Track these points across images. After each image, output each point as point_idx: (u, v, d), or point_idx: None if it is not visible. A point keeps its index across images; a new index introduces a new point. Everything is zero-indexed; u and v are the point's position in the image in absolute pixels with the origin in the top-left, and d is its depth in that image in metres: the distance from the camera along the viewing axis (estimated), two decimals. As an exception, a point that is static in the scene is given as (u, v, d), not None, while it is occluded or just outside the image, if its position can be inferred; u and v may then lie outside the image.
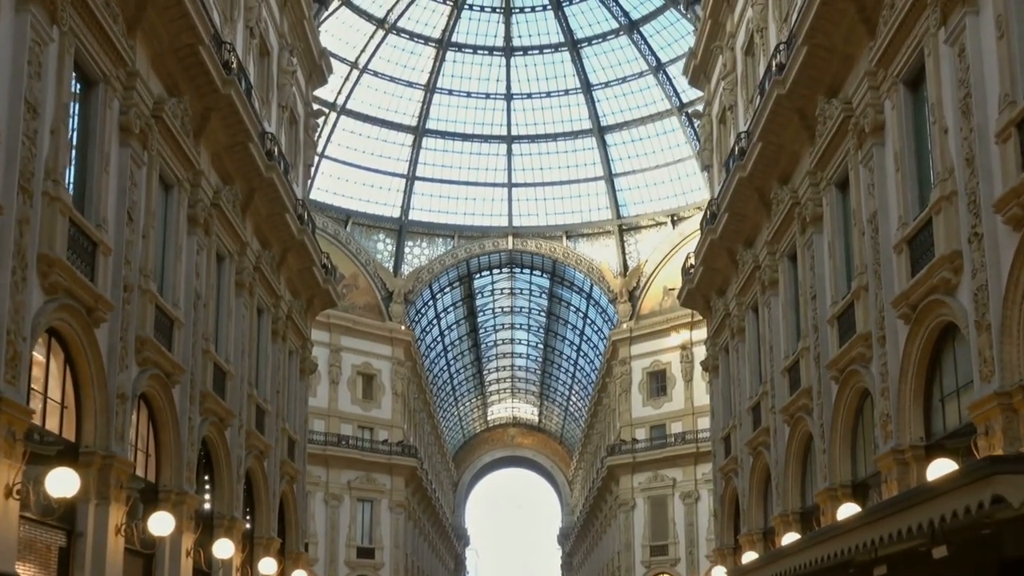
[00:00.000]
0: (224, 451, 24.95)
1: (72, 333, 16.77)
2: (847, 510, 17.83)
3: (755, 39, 29.27)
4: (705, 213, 33.11)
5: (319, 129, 61.29)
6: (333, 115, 62.82)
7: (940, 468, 13.88)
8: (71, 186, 17.17)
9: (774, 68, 23.75)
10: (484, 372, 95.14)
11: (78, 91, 17.71)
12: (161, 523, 18.90)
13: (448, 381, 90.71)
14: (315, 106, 59.67)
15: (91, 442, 17.46)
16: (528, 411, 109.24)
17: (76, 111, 17.63)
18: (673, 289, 47.66)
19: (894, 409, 17.87)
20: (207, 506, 24.78)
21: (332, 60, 60.54)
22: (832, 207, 22.06)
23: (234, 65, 23.63)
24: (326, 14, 57.10)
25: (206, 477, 24.86)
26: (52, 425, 16.75)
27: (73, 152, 17.38)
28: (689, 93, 62.33)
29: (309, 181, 60.89)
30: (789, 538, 22.02)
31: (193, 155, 22.35)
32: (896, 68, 18.22)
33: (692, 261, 34.84)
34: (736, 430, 30.77)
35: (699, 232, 35.81)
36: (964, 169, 15.34)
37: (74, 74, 17.21)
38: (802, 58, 21.64)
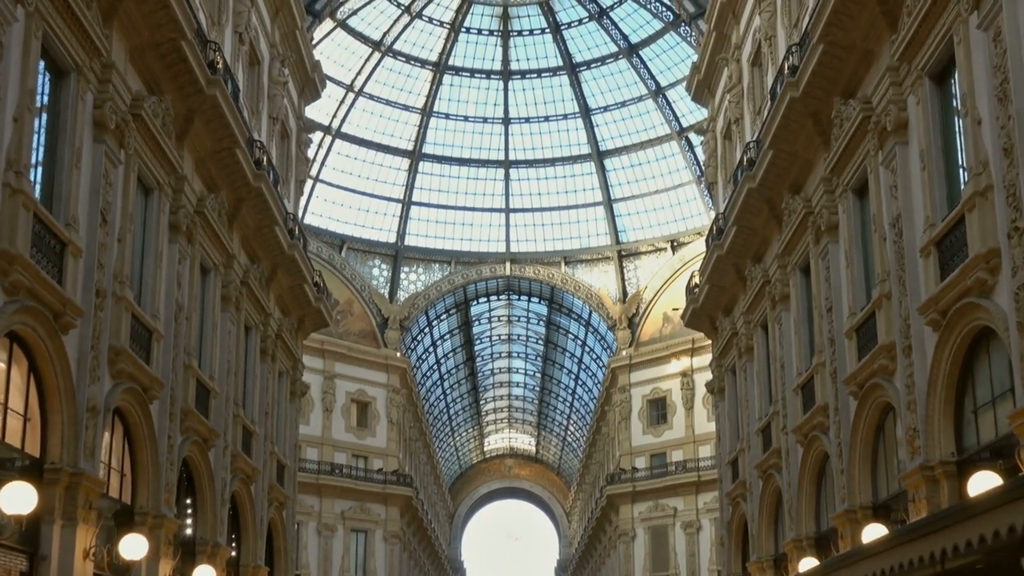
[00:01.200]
0: (207, 473, 23.64)
1: (36, 339, 15.51)
2: (872, 532, 16.58)
3: (763, 48, 28.28)
4: (711, 229, 31.98)
5: (314, 153, 60.95)
6: (328, 138, 61.88)
7: (983, 482, 12.67)
8: (38, 181, 16.01)
9: (786, 71, 22.63)
10: (481, 402, 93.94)
11: (47, 81, 16.56)
12: (133, 546, 17.59)
13: (444, 411, 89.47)
14: (309, 130, 59.43)
15: (57, 458, 16.15)
16: (525, 441, 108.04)
17: (45, 102, 16.46)
18: (677, 309, 46.47)
19: (922, 423, 16.65)
20: (188, 531, 23.47)
21: (328, 83, 60.25)
22: (849, 214, 20.90)
23: (220, 66, 22.48)
24: (321, 36, 56.33)
25: (188, 501, 23.57)
26: (14, 439, 15.45)
27: (41, 145, 16.21)
28: (689, 118, 61.68)
29: (304, 201, 60.34)
30: (805, 564, 20.78)
31: (175, 158, 21.16)
32: (921, 61, 17.11)
33: (697, 280, 33.68)
34: (744, 453, 29.51)
35: (700, 258, 34.87)
36: (1001, 160, 14.17)
37: (43, 62, 16.05)
38: (817, 57, 20.51)
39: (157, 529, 20.02)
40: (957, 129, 16.43)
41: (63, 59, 16.57)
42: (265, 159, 26.72)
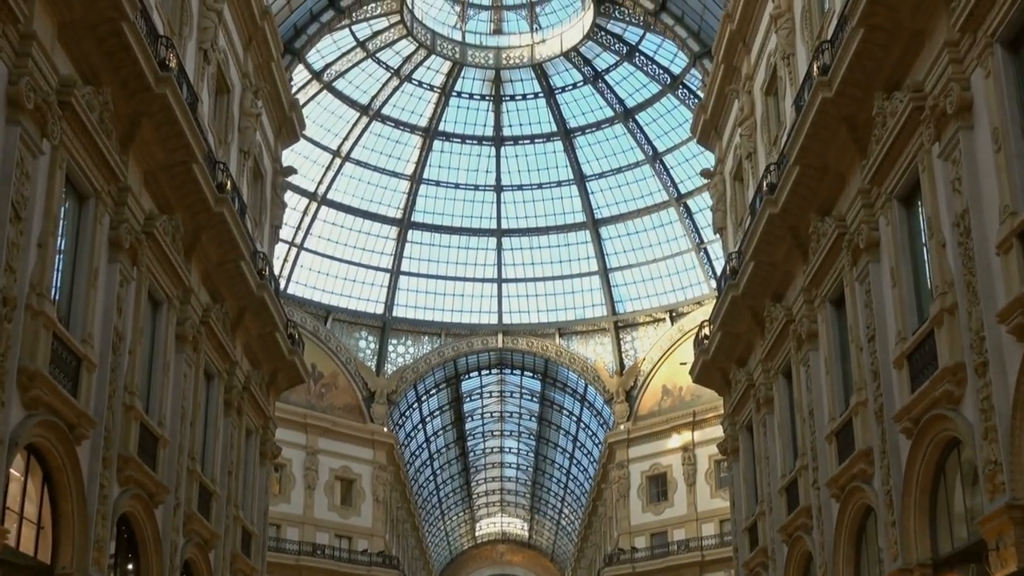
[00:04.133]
0: (153, 534, 20.45)
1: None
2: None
3: (779, 72, 25.89)
4: (723, 270, 29.27)
5: (299, 220, 58.55)
6: (313, 205, 59.60)
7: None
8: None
9: (815, 71, 19.99)
10: (472, 483, 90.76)
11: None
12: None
13: (434, 492, 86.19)
14: (296, 196, 56.97)
15: (-59, 496, 13.15)
16: (518, 526, 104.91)
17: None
18: (685, 363, 43.64)
19: (1005, 454, 13.66)
20: (130, 601, 20.29)
21: (314, 147, 58.12)
22: (895, 225, 18.06)
23: (172, 65, 19.73)
24: (307, 98, 54.21)
25: (130, 566, 20.38)
26: None
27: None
28: (687, 183, 59.61)
29: (288, 269, 57.72)
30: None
31: (118, 165, 18.29)
32: (990, 26, 14.48)
33: (707, 331, 30.85)
34: (765, 517, 26.46)
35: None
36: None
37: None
38: (855, 46, 17.90)
39: (84, 594, 16.89)
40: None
41: None
42: (230, 184, 23.91)
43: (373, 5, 51.74)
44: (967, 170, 15.10)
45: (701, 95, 34.72)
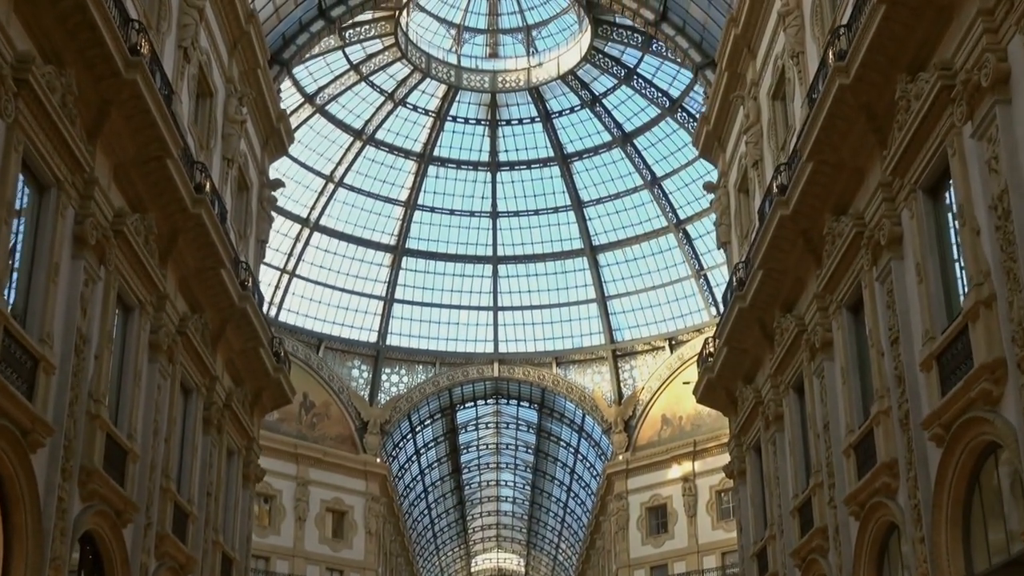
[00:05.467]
0: (120, 554, 18.99)
1: None
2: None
3: (787, 73, 24.76)
4: (729, 282, 27.96)
5: (291, 246, 57.34)
6: (306, 231, 58.29)
7: None
8: None
9: (831, 58, 18.76)
10: (468, 518, 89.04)
11: None
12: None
13: (429, 527, 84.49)
14: (287, 222, 55.76)
15: None
16: (514, 562, 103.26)
17: None
18: (688, 383, 42.24)
19: (1054, 458, 12.36)
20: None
21: (306, 173, 57.02)
22: (920, 218, 16.77)
23: (144, 51, 18.44)
24: (299, 122, 53.01)
25: (96, 590, 18.98)
26: None
27: None
28: (687, 208, 58.39)
29: (279, 295, 56.43)
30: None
31: (83, 154, 16.94)
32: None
33: (711, 347, 29.51)
34: (775, 541, 25.03)
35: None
36: None
37: None
38: (876, 25, 16.69)
39: (39, 618, 15.46)
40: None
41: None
42: (209, 186, 22.60)
43: (367, 26, 50.70)
44: (1005, 147, 13.82)
45: (702, 114, 33.47)
